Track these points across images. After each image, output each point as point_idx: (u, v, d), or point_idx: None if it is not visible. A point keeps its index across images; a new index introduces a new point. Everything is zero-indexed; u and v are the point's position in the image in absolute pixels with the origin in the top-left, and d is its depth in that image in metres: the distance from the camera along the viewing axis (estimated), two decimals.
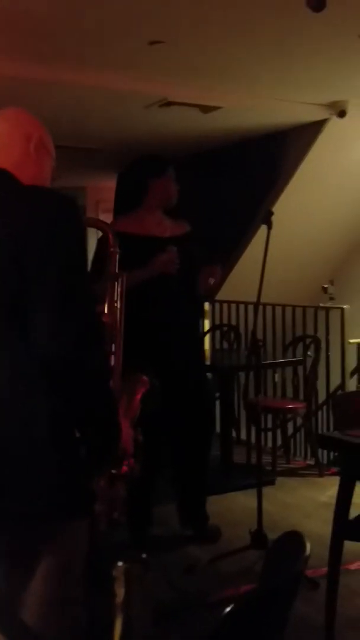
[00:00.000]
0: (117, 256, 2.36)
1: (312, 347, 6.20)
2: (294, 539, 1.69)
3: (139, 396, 2.24)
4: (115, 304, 2.30)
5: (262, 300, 4.29)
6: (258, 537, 4.12)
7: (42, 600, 1.88)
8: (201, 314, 4.89)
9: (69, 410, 1.85)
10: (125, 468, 2.10)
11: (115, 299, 2.31)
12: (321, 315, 6.53)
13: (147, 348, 3.97)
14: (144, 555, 1.33)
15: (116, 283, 2.33)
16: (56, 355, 1.78)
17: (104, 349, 2.05)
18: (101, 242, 4.15)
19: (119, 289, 2.33)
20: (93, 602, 1.95)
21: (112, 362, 2.23)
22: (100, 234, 3.12)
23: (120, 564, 1.31)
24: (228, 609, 1.41)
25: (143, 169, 4.31)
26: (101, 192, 10.33)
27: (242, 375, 6.16)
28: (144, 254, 4.07)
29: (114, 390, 2.14)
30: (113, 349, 2.24)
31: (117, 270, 2.35)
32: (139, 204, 4.29)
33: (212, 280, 4.27)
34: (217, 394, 6.55)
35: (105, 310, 2.28)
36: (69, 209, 1.93)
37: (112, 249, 2.36)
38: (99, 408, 1.91)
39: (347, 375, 6.27)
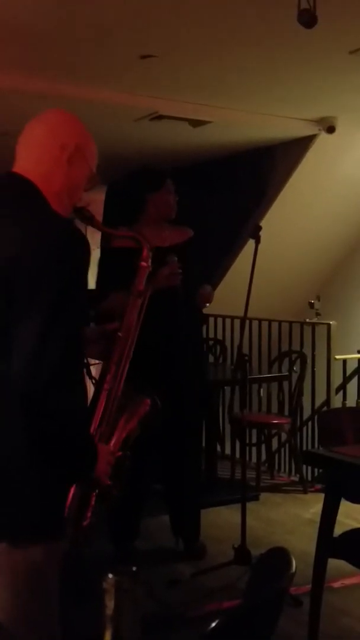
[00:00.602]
0: (147, 272, 2.28)
1: (298, 362, 6.20)
2: (279, 556, 1.68)
3: (137, 419, 2.20)
4: (133, 323, 2.24)
5: (249, 314, 4.29)
6: (241, 552, 4.10)
7: (12, 617, 1.86)
8: (202, 321, 4.86)
9: (41, 441, 1.82)
10: (107, 494, 2.05)
11: (136, 317, 2.25)
12: (307, 330, 6.53)
13: (150, 361, 3.97)
14: (133, 568, 1.32)
15: (139, 300, 2.26)
16: (28, 385, 1.74)
17: (82, 387, 1.94)
18: (113, 251, 4.16)
19: (140, 308, 2.26)
20: (75, 615, 1.93)
21: (114, 382, 2.18)
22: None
23: (110, 576, 1.30)
24: (213, 624, 1.40)
25: (140, 184, 4.29)
26: (90, 205, 10.32)
27: (227, 389, 6.16)
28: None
29: (108, 408, 2.12)
30: (121, 365, 2.19)
31: (143, 287, 2.27)
32: (137, 219, 4.26)
33: (207, 305, 4.26)
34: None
35: (121, 328, 2.22)
36: (72, 240, 1.86)
37: (143, 263, 2.28)
38: (70, 445, 1.87)
39: (333, 391, 6.27)
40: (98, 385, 2.22)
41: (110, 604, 1.28)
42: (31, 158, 1.99)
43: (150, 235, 4.25)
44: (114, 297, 4.07)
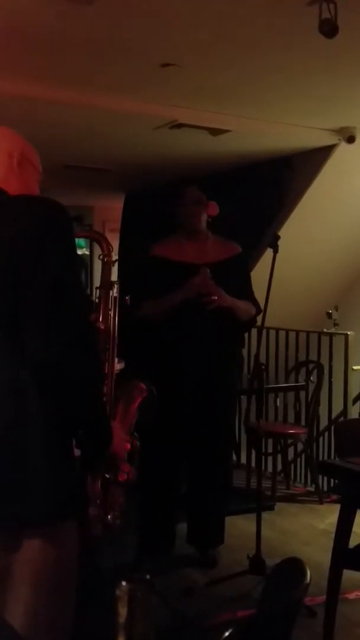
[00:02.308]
0: (111, 264, 2.42)
1: (315, 372, 6.19)
2: (294, 566, 1.68)
3: (135, 405, 2.27)
4: (110, 312, 2.35)
5: (266, 324, 4.29)
6: (256, 562, 4.10)
7: (31, 608, 1.87)
8: (239, 342, 4.81)
9: (60, 415, 1.86)
10: (123, 476, 2.09)
11: (110, 306, 2.37)
12: (325, 340, 6.52)
13: (173, 371, 4.00)
14: (147, 576, 1.32)
15: (110, 291, 2.38)
16: (46, 361, 1.79)
17: (96, 355, 2.06)
18: (154, 259, 4.17)
19: (112, 296, 2.38)
20: (90, 620, 1.94)
21: (109, 367, 2.26)
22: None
23: (124, 583, 1.30)
24: (227, 634, 1.39)
25: (166, 198, 4.38)
26: (108, 212, 10.36)
27: (244, 398, 6.14)
28: (178, 280, 4.09)
29: (106, 396, 2.16)
30: (107, 356, 2.28)
31: (110, 278, 2.41)
32: (174, 230, 4.34)
33: (215, 299, 4.20)
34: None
35: (100, 318, 2.32)
36: (57, 214, 1.97)
37: (106, 258, 2.42)
38: (88, 414, 1.93)
39: (350, 402, 6.25)
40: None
41: (123, 611, 1.28)
42: None
43: (189, 249, 4.28)
44: (149, 306, 4.10)
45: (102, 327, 2.30)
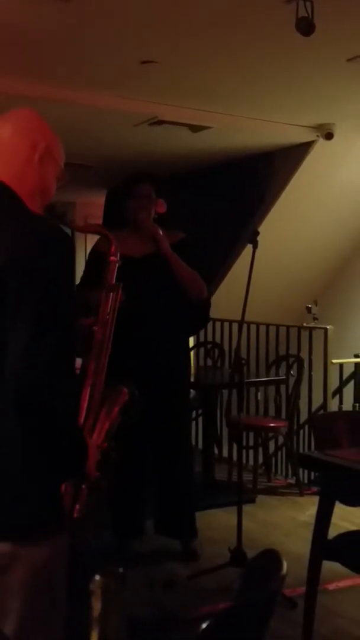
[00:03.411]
0: (117, 266, 2.30)
1: (295, 366, 6.23)
2: (271, 557, 1.70)
3: (117, 408, 2.22)
4: (108, 316, 2.25)
5: (247, 318, 4.32)
6: (237, 554, 4.13)
7: (23, 617, 1.88)
8: (190, 328, 4.76)
9: (36, 439, 1.84)
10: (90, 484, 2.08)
11: (109, 311, 2.26)
12: (305, 335, 6.57)
13: (128, 364, 4.00)
14: (120, 569, 1.34)
15: (111, 294, 2.27)
16: (22, 386, 1.76)
17: (75, 383, 2.00)
18: (94, 252, 4.17)
19: (113, 301, 2.27)
20: (71, 615, 1.95)
21: (96, 376, 2.19)
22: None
23: (97, 577, 1.31)
24: (204, 626, 1.42)
25: (120, 191, 4.36)
26: (90, 207, 10.36)
27: (225, 392, 6.19)
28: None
29: (93, 402, 2.14)
30: (99, 364, 2.20)
31: (114, 281, 2.29)
32: (126, 224, 4.32)
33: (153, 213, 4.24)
34: (200, 411, 6.58)
35: (97, 322, 2.23)
36: (56, 239, 1.87)
37: (112, 257, 2.31)
38: (64, 439, 1.88)
39: (329, 395, 6.30)
40: (80, 380, 2.23)
41: (97, 605, 1.29)
42: (1, 160, 1.98)
43: (129, 243, 4.26)
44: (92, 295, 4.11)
45: (98, 335, 2.22)
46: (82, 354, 2.22)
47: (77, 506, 2.04)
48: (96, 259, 4.16)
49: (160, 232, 4.23)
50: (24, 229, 1.86)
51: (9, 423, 1.81)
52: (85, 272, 4.23)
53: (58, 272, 1.84)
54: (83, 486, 2.04)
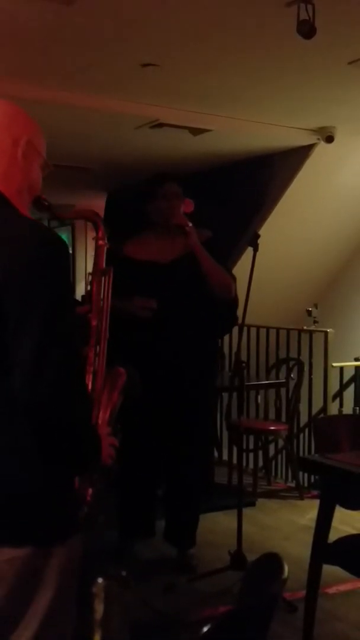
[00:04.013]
0: (105, 249, 2.26)
1: (295, 369, 6.23)
2: (272, 561, 1.70)
3: (117, 391, 2.18)
4: (101, 303, 2.19)
5: (247, 321, 4.32)
6: (237, 558, 4.13)
7: (40, 621, 1.86)
8: (218, 331, 4.65)
9: (48, 447, 1.80)
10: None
11: (102, 297, 2.19)
12: (305, 338, 6.56)
13: (148, 370, 4.00)
14: (123, 573, 1.33)
15: (103, 279, 2.20)
16: (33, 401, 1.72)
17: (86, 395, 1.95)
18: (117, 259, 4.15)
19: (106, 286, 2.21)
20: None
21: (97, 365, 2.14)
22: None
23: (99, 580, 1.31)
24: (205, 630, 1.41)
25: (140, 193, 4.33)
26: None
27: (225, 395, 6.18)
28: (145, 279, 4.10)
29: (96, 392, 2.10)
30: (98, 350, 2.15)
31: (104, 265, 2.23)
32: (143, 230, 4.30)
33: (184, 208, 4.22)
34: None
35: (91, 309, 2.17)
36: (52, 246, 1.81)
37: (100, 242, 2.25)
38: (80, 444, 1.85)
39: (330, 398, 6.29)
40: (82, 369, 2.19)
41: (99, 608, 1.29)
42: None
43: (154, 247, 4.26)
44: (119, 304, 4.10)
45: (94, 322, 2.16)
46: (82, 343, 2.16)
47: (90, 493, 2.03)
48: (123, 265, 4.15)
49: (190, 224, 4.17)
50: (19, 241, 1.79)
51: (21, 437, 1.78)
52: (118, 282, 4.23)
53: (57, 280, 1.79)
54: (94, 475, 2.03)
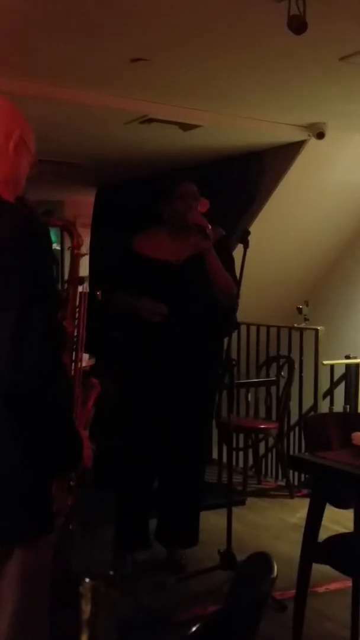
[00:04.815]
0: (80, 258, 2.31)
1: (286, 367, 6.22)
2: (261, 560, 1.68)
3: (91, 402, 2.21)
4: (77, 310, 2.25)
5: (237, 319, 4.29)
6: (227, 557, 4.11)
7: (9, 618, 1.84)
8: (218, 335, 4.58)
9: (31, 436, 1.81)
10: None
11: (77, 304, 2.26)
12: (295, 335, 6.55)
13: (151, 370, 3.98)
14: (110, 572, 1.32)
15: (79, 287, 2.27)
16: (15, 384, 1.72)
17: (67, 377, 1.98)
18: (127, 259, 4.12)
19: (81, 294, 2.27)
20: (60, 618, 1.93)
21: (73, 371, 2.19)
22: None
23: (87, 580, 1.30)
24: (194, 629, 1.40)
25: (153, 192, 4.34)
26: (79, 206, 10.33)
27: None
28: (156, 277, 4.09)
29: (74, 397, 2.11)
30: (78, 353, 2.21)
31: (79, 274, 2.30)
32: (158, 223, 4.28)
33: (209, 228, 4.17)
34: None
35: (65, 316, 2.22)
36: (33, 232, 1.84)
37: (76, 251, 2.31)
38: (59, 437, 1.86)
39: (320, 396, 6.28)
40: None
41: (86, 608, 1.28)
42: None
43: (166, 246, 4.23)
44: (124, 297, 4.08)
45: (69, 328, 2.20)
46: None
47: (69, 500, 2.03)
48: (134, 260, 4.12)
49: (210, 227, 4.14)
50: (2, 221, 1.82)
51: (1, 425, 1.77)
52: (122, 274, 4.21)
53: (39, 264, 1.81)
54: (71, 481, 2.03)
